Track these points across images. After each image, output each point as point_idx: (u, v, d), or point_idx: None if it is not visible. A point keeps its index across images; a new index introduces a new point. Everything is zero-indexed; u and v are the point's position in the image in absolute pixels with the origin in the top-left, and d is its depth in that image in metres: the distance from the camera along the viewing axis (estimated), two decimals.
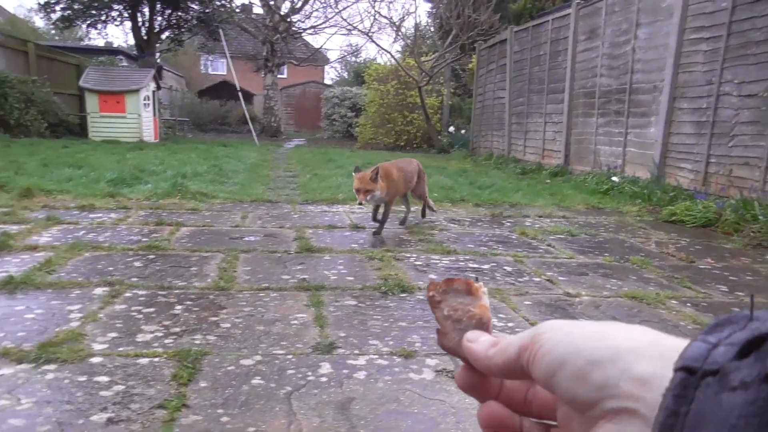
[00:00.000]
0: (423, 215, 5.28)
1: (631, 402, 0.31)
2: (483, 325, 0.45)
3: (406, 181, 4.70)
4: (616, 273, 3.60)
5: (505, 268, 3.60)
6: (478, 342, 0.42)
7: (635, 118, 7.82)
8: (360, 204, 4.20)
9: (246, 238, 4.12)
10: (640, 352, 0.32)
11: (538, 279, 3.38)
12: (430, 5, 23.55)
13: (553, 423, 0.41)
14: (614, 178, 7.75)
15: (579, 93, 9.39)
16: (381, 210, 4.56)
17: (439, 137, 16.84)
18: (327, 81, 40.03)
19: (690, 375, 0.28)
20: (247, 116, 18.47)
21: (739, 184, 5.77)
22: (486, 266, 3.61)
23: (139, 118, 14.38)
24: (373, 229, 4.53)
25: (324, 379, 1.96)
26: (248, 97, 25.72)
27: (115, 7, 17.90)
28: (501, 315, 2.71)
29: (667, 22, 7.03)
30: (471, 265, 3.61)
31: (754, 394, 0.26)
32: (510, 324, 2.59)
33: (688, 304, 3.01)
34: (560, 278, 3.42)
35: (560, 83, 9.97)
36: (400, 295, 2.94)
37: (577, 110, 9.49)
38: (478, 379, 0.44)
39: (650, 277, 3.53)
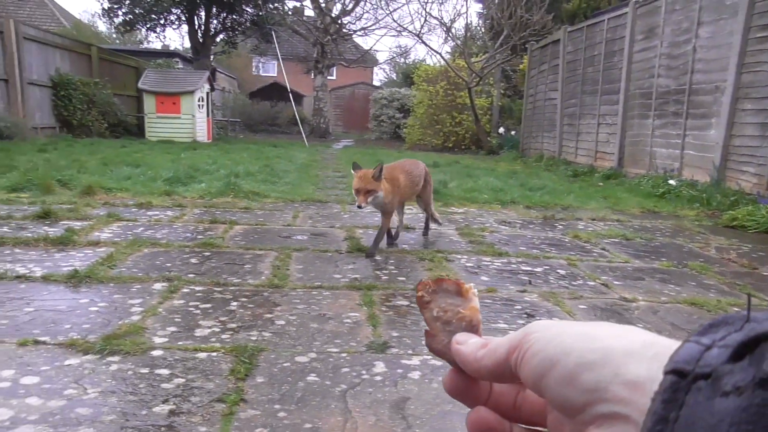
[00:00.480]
0: (426, 230, 4.48)
1: (622, 407, 0.29)
2: (473, 328, 0.44)
3: (413, 185, 4.05)
4: (674, 278, 3.49)
5: (558, 271, 3.53)
6: (467, 344, 0.41)
7: (694, 120, 7.55)
8: (359, 207, 3.54)
9: (297, 237, 4.18)
10: (634, 354, 0.31)
11: (592, 283, 3.30)
12: (480, 6, 23.36)
13: (543, 429, 0.39)
14: (671, 182, 7.51)
15: (635, 94, 9.14)
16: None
17: (489, 138, 16.68)
18: (376, 82, 40.21)
19: (680, 378, 0.27)
20: (297, 117, 18.74)
21: None
22: (539, 269, 3.55)
23: (194, 119, 14.78)
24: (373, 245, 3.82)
25: (378, 378, 1.97)
26: (298, 98, 26.10)
27: (174, 11, 18.48)
28: (556, 318, 2.65)
29: (732, 20, 6.77)
30: (523, 268, 3.56)
31: (747, 400, 0.24)
32: None
33: None
34: (615, 282, 3.33)
35: (615, 84, 9.73)
36: None
37: (632, 111, 9.24)
38: (467, 384, 0.42)
39: (710, 284, 3.41)
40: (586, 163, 10.73)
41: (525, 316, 2.69)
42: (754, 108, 6.38)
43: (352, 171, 3.62)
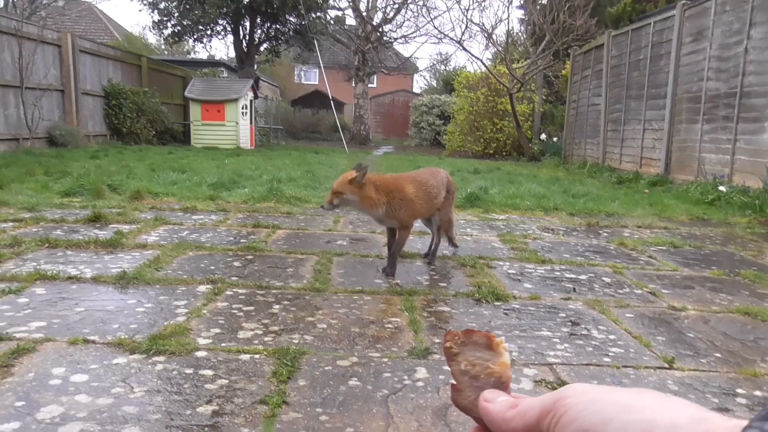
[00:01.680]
0: (431, 256, 3.74)
1: None
2: (502, 385, 0.42)
3: (428, 197, 3.44)
4: (726, 287, 3.36)
5: (604, 279, 3.45)
6: (495, 402, 0.39)
7: (746, 124, 7.29)
8: (321, 207, 3.32)
9: (338, 242, 4.20)
10: (680, 430, 0.29)
11: (639, 291, 3.21)
12: (522, 12, 23.15)
13: None
14: (721, 188, 7.26)
15: (682, 98, 8.89)
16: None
17: (530, 145, 16.48)
18: (416, 89, 40.25)
19: None
20: (338, 124, 18.90)
21: None
22: (583, 277, 3.48)
23: (237, 126, 15.08)
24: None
25: (420, 384, 1.96)
26: (339, 105, 26.33)
27: (220, 21, 18.94)
28: (601, 327, 2.59)
29: None
30: (567, 275, 3.49)
31: None
32: (611, 336, 2.48)
33: None
34: (663, 291, 3.23)
35: (662, 88, 9.48)
36: (495, 303, 2.88)
37: (679, 116, 8.98)
38: None
39: (764, 293, 3.27)
40: (630, 169, 10.48)
41: (570, 323, 2.63)
42: None
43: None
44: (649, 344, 2.40)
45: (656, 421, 0.29)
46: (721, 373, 2.14)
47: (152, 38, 36.00)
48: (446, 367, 2.08)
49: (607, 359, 2.23)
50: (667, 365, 2.19)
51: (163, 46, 32.33)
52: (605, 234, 4.98)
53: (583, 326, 2.60)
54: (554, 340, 2.42)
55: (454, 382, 0.43)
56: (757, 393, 1.99)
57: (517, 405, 0.38)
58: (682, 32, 8.90)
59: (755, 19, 7.13)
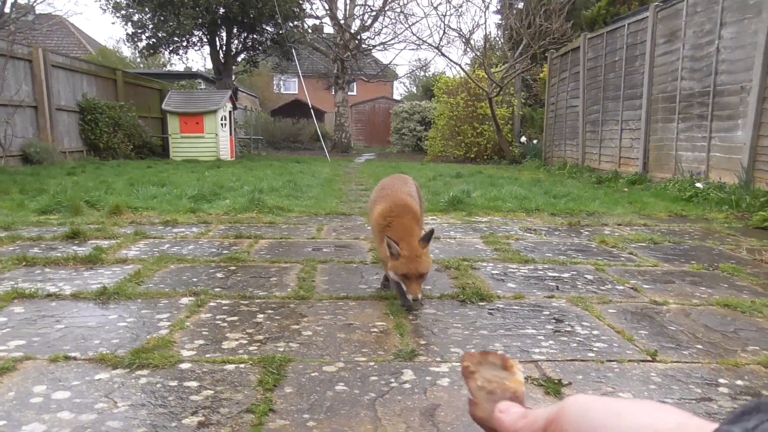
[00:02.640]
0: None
1: None
2: (517, 399, 0.45)
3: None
4: (706, 281, 3.41)
5: (586, 276, 3.48)
6: (509, 413, 0.42)
7: (720, 122, 7.42)
8: (414, 301, 2.61)
9: (322, 250, 4.18)
10: None
11: (621, 287, 3.24)
12: (499, 17, 23.38)
13: None
14: (698, 185, 7.37)
15: (658, 98, 9.03)
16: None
17: (511, 148, 16.60)
18: (396, 96, 40.40)
19: None
20: (319, 133, 18.89)
21: None
22: (566, 275, 3.50)
23: (217, 138, 15.00)
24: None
25: (407, 385, 1.95)
26: (319, 114, 26.33)
27: (196, 33, 18.85)
28: (585, 323, 2.61)
29: (756, 20, 6.66)
30: (550, 274, 3.51)
31: None
32: (595, 332, 2.50)
33: None
34: (645, 286, 3.27)
35: (637, 89, 9.62)
36: (479, 303, 2.89)
37: (656, 116, 9.12)
38: None
39: (743, 285, 3.32)
40: (610, 169, 10.60)
41: (554, 321, 2.65)
42: None
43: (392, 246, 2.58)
44: (632, 338, 2.42)
45: (644, 426, 0.31)
46: (704, 364, 2.17)
47: (127, 51, 35.81)
48: (432, 368, 2.09)
49: (591, 354, 2.25)
50: (650, 358, 2.22)
51: (138, 59, 32.13)
52: (586, 233, 5.03)
53: (566, 323, 2.62)
54: (539, 337, 2.43)
55: (472, 397, 0.46)
56: (739, 382, 2.01)
57: (528, 416, 0.41)
58: (655, 33, 9.04)
59: (725, 19, 7.27)
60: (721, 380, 2.03)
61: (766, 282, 3.39)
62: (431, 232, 2.69)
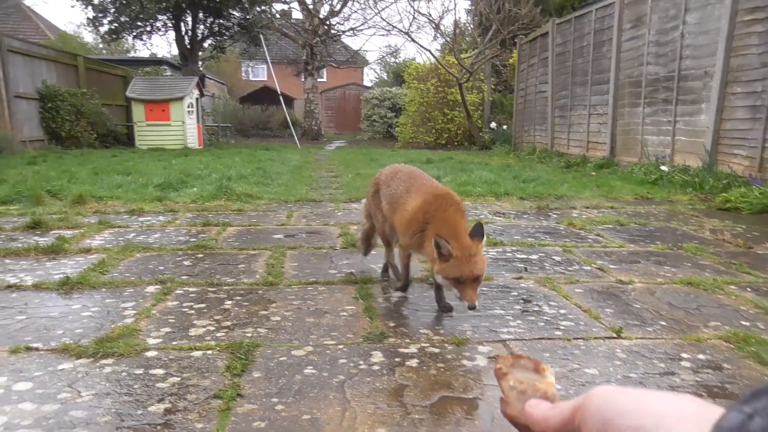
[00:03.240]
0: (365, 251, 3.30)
1: None
2: (547, 399, 0.46)
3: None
4: (670, 260, 3.48)
5: (554, 258, 3.52)
6: (538, 407, 0.44)
7: (684, 106, 7.56)
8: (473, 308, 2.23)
9: (292, 236, 4.15)
10: (685, 420, 0.32)
11: (588, 268, 3.29)
12: (468, 2, 23.39)
13: None
14: (663, 168, 7.51)
15: (624, 83, 9.15)
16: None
17: (481, 134, 16.69)
18: (366, 83, 40.20)
19: None
20: (289, 120, 18.71)
21: None
22: (534, 257, 3.54)
23: (184, 125, 14.74)
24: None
25: (376, 367, 1.95)
26: (289, 101, 26.08)
27: (160, 17, 18.38)
28: (552, 303, 2.65)
29: (719, 6, 6.77)
30: (519, 256, 3.55)
31: None
32: (562, 311, 2.53)
33: (748, 289, 2.88)
34: (611, 266, 3.32)
35: (605, 74, 9.74)
36: None
37: (622, 100, 9.25)
38: None
39: (706, 264, 3.41)
40: (578, 153, 10.74)
41: (522, 301, 2.68)
42: (744, 91, 6.39)
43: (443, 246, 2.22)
44: (598, 317, 2.46)
45: (667, 411, 0.33)
46: (667, 340, 2.22)
47: (88, 36, 34.80)
48: (402, 350, 2.09)
49: (558, 332, 2.28)
50: (615, 335, 2.26)
51: (101, 45, 31.32)
52: (555, 216, 5.09)
53: (534, 303, 2.65)
54: (507, 317, 2.46)
55: (503, 396, 0.48)
56: (701, 357, 2.06)
57: (556, 407, 0.43)
58: (622, 19, 9.14)
59: (689, 5, 7.38)
60: (684, 355, 2.08)
61: (727, 261, 3.47)
62: (480, 225, 2.30)
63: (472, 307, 2.18)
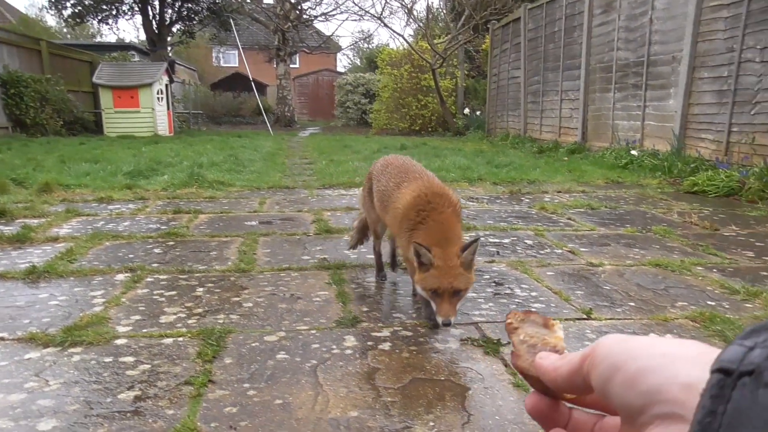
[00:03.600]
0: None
1: (679, 407, 0.32)
2: (556, 352, 0.48)
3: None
4: (639, 243, 3.55)
5: (526, 241, 3.56)
6: (548, 358, 0.45)
7: (654, 91, 7.67)
8: (447, 324, 2.00)
9: (264, 223, 4.12)
10: (690, 359, 0.34)
11: (559, 251, 3.33)
12: None
13: None
14: (633, 152, 7.63)
15: (595, 68, 9.24)
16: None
17: (454, 120, 16.72)
18: (340, 68, 39.93)
19: (726, 376, 0.29)
20: (261, 107, 18.49)
21: (763, 151, 5.64)
22: (506, 240, 3.57)
23: (153, 112, 14.46)
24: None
25: (349, 351, 1.95)
26: (261, 87, 25.74)
27: (126, 0, 17.94)
28: (524, 285, 2.68)
29: None
30: (491, 240, 3.58)
31: None
32: (534, 293, 2.56)
33: (714, 270, 2.95)
34: (582, 249, 3.37)
35: (576, 59, 9.81)
36: None
37: (593, 86, 9.34)
38: (548, 406, 0.46)
39: (674, 246, 3.47)
40: (551, 139, 10.83)
41: (494, 284, 2.70)
42: (710, 76, 6.50)
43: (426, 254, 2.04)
44: (569, 298, 2.50)
45: (673, 353, 0.34)
46: (635, 320, 2.26)
47: (51, 20, 33.85)
48: (374, 333, 2.10)
49: None
50: (585, 316, 2.29)
51: (65, 29, 30.50)
52: (527, 200, 5.13)
53: (506, 286, 2.67)
54: (479, 300, 2.48)
55: (514, 350, 0.49)
56: (668, 336, 2.11)
57: (564, 357, 0.44)
58: (592, 4, 9.20)
59: None
60: (652, 334, 2.12)
61: (694, 242, 3.55)
62: (475, 242, 2.05)
63: (446, 324, 1.96)
